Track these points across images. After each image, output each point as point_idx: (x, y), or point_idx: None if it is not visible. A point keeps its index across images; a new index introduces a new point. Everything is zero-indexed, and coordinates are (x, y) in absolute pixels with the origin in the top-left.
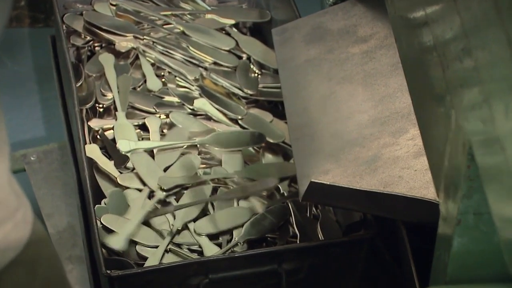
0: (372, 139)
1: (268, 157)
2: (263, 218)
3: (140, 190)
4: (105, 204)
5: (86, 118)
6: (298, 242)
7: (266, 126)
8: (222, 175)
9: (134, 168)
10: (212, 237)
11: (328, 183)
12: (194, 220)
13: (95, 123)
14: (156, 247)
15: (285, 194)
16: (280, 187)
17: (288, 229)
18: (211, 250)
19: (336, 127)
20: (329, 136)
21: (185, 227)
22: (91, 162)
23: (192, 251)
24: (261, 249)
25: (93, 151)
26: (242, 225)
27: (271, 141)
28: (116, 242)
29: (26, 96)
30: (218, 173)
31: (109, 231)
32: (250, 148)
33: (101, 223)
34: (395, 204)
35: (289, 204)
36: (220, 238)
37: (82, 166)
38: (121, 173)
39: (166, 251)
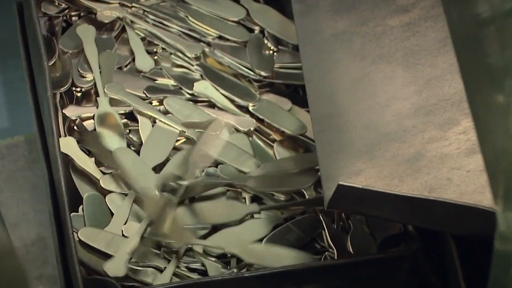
0: (415, 133)
1: (285, 154)
2: (288, 231)
3: (126, 195)
4: (82, 211)
5: (60, 105)
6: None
7: (283, 115)
8: (236, 180)
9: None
10: (221, 255)
11: (360, 186)
12: (204, 236)
13: (71, 111)
14: (150, 267)
15: (308, 198)
16: (305, 191)
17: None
18: (215, 269)
19: (371, 117)
20: (361, 128)
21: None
22: (67, 160)
23: (191, 270)
24: (276, 268)
25: (69, 145)
26: (261, 240)
27: (290, 133)
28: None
29: None
30: (227, 173)
31: (89, 248)
32: (260, 143)
33: (78, 238)
34: (443, 212)
35: (320, 215)
36: (229, 255)
37: (55, 165)
38: (103, 173)
39: (159, 270)
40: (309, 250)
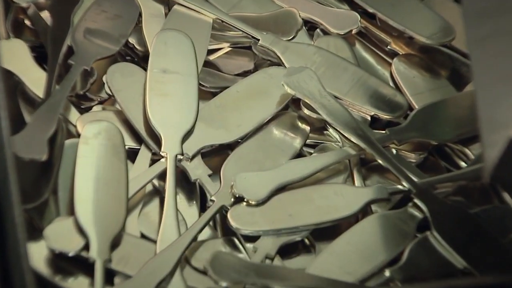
0: None
1: (413, 79)
2: None
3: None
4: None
5: None
6: None
7: (412, 8)
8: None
9: (112, 95)
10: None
11: None
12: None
13: None
14: None
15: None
16: (470, 151)
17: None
18: None
19: None
20: None
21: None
22: (12, 81)
23: None
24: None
25: (16, 54)
26: (400, 252)
27: (423, 41)
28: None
29: None
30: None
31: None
32: (369, 57)
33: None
34: None
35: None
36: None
37: None
38: (81, 110)
39: None
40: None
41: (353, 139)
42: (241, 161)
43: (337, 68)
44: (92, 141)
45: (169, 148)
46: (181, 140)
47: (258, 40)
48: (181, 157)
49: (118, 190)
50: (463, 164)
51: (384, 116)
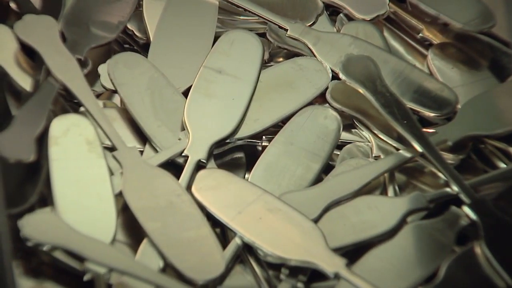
0: None
1: (450, 73)
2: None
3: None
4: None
5: None
6: None
7: None
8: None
9: (114, 89)
10: None
11: None
12: None
13: None
14: None
15: None
16: None
17: None
18: None
19: None
20: None
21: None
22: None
23: None
24: None
25: (1, 42)
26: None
27: (459, 27)
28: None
29: None
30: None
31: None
32: (399, 46)
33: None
34: None
35: None
36: None
37: None
38: (73, 105)
39: None
40: None
41: (410, 139)
42: (270, 170)
43: (376, 60)
44: (63, 140)
45: (193, 151)
46: (210, 146)
47: (286, 30)
48: (204, 162)
49: (103, 191)
50: (502, 165)
51: (431, 114)
